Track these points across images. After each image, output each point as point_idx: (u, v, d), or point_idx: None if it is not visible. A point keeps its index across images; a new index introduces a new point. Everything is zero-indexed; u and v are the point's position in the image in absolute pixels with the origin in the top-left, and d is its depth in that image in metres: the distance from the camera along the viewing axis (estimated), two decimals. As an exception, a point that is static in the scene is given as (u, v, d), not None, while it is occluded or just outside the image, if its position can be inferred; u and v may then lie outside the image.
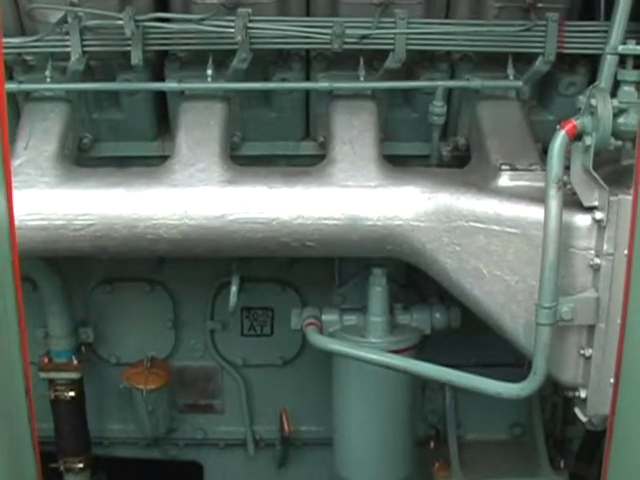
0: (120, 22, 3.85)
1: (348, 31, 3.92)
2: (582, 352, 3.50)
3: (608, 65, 3.59)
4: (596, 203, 3.38)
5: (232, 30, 3.84)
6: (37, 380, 4.87)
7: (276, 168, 4.16)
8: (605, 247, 3.38)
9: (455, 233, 3.68)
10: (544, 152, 3.90)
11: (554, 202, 3.28)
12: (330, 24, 3.93)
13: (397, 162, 4.15)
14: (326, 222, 3.77)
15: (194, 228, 3.78)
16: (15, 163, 3.88)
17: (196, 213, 3.78)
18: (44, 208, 3.82)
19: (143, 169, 4.08)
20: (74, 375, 5.04)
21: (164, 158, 4.13)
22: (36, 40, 4.01)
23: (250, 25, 3.86)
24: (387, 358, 3.98)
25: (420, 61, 4.22)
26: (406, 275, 4.68)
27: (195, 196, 3.80)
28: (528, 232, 3.53)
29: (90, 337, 5.16)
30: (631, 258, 3.22)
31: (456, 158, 4.35)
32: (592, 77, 4.09)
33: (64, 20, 3.92)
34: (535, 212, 3.50)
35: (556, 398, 5.19)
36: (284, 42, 3.98)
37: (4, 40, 3.89)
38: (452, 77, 4.28)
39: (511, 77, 4.13)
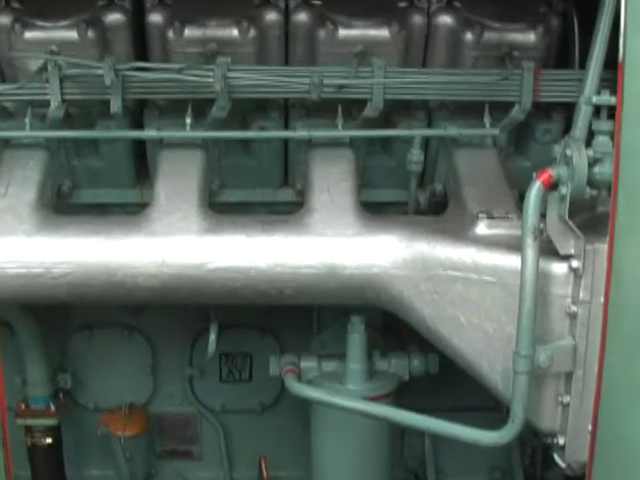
0: (100, 71, 3.86)
1: (326, 80, 3.94)
2: (560, 399, 3.50)
3: (583, 115, 3.62)
4: (572, 251, 3.40)
5: (211, 80, 3.85)
6: (14, 426, 4.83)
7: (254, 217, 4.16)
8: (582, 295, 3.40)
9: (433, 281, 3.69)
10: (520, 199, 3.93)
11: (531, 251, 3.29)
12: (308, 74, 3.95)
13: (375, 209, 4.17)
14: (304, 270, 3.78)
15: (172, 277, 3.77)
16: (-7, 210, 3.90)
17: (174, 261, 3.78)
18: (22, 256, 3.81)
19: (122, 217, 4.09)
20: (51, 422, 5.02)
21: (143, 205, 4.12)
22: (16, 87, 4.02)
23: (229, 75, 3.87)
24: (365, 406, 3.98)
25: (397, 109, 4.25)
26: (384, 321, 4.68)
27: (173, 245, 3.80)
28: (505, 280, 3.54)
29: (68, 383, 5.14)
30: (607, 306, 3.27)
31: (433, 205, 4.38)
32: (568, 124, 4.12)
33: (44, 68, 3.93)
34: (512, 261, 3.51)
35: (536, 442, 5.19)
36: (263, 91, 4.00)
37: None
38: (429, 125, 4.31)
39: (488, 125, 4.16)
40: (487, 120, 4.16)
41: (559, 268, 3.44)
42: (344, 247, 3.81)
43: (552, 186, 3.34)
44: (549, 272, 3.43)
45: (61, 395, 5.12)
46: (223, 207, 4.27)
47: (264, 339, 5.14)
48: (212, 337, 4.56)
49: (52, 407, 5.02)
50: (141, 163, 4.44)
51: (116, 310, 4.96)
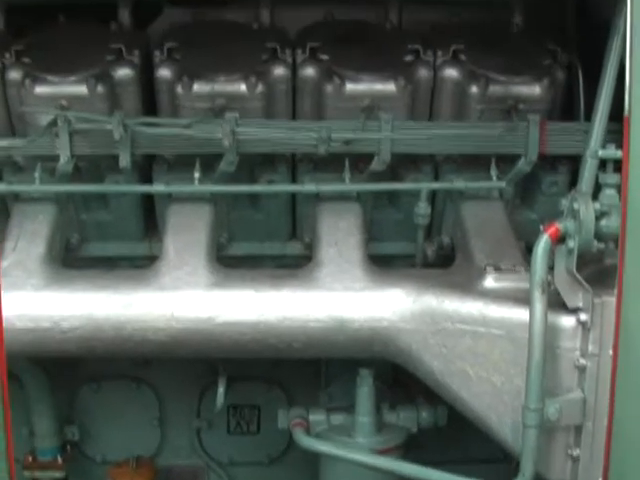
0: (109, 126, 3.89)
1: (334, 135, 3.96)
2: (570, 452, 3.50)
3: (589, 168, 3.62)
4: (580, 305, 3.41)
5: (219, 135, 3.88)
6: (21, 478, 4.82)
7: (263, 270, 4.18)
8: (590, 348, 3.41)
9: (441, 335, 3.69)
10: (527, 250, 3.95)
11: (539, 305, 3.31)
12: (316, 128, 3.98)
13: (382, 261, 4.17)
14: (313, 324, 3.78)
15: (181, 331, 3.78)
16: (3, 265, 3.91)
17: (183, 316, 3.78)
18: (31, 310, 3.82)
19: (130, 271, 4.11)
20: (58, 474, 5.00)
21: (152, 258, 4.15)
22: (26, 142, 4.04)
23: (237, 130, 3.90)
24: (374, 459, 3.99)
25: (404, 162, 4.26)
26: (393, 374, 4.66)
27: (182, 299, 3.81)
28: (514, 334, 3.55)
29: (75, 435, 5.12)
30: (616, 358, 3.27)
31: (441, 257, 4.39)
32: (574, 175, 4.13)
33: (54, 123, 3.96)
34: (520, 314, 3.52)
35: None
36: (271, 146, 4.03)
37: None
38: (436, 177, 4.33)
39: (494, 178, 4.17)
40: (494, 173, 4.18)
41: (567, 321, 3.45)
42: (352, 301, 3.82)
43: (559, 239, 3.36)
44: (557, 325, 3.44)
45: (68, 447, 5.10)
46: (231, 260, 4.29)
47: (272, 391, 5.12)
48: (220, 390, 4.55)
49: (59, 459, 5.00)
50: (149, 216, 4.46)
51: (124, 362, 4.95)
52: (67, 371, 5.02)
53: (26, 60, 4.06)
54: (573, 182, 4.07)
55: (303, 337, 3.80)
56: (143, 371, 5.07)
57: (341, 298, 3.83)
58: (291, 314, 3.79)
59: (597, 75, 3.70)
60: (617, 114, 3.44)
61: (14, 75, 4.05)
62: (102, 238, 4.47)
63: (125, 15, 4.52)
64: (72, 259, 4.36)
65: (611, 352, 3.32)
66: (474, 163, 4.26)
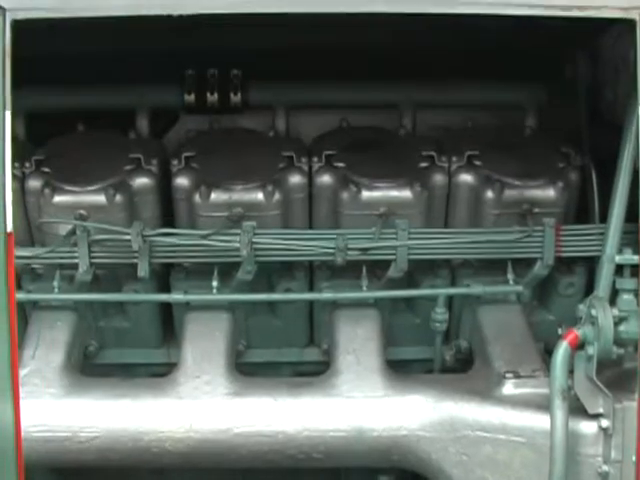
0: (128, 236, 3.93)
1: (351, 244, 3.98)
2: None
3: (605, 273, 3.59)
4: (601, 410, 3.38)
5: (237, 244, 3.91)
6: None
7: (281, 379, 4.16)
8: (613, 454, 3.38)
9: (461, 443, 3.66)
10: (546, 352, 3.95)
11: (559, 412, 3.29)
12: (333, 236, 4.01)
13: (400, 366, 4.16)
14: (332, 434, 3.75)
15: (200, 442, 3.75)
16: (22, 373, 3.88)
17: (202, 426, 3.76)
18: (49, 420, 3.81)
19: (148, 380, 4.10)
20: None
21: (170, 365, 4.16)
22: (46, 251, 4.07)
23: (255, 239, 3.93)
24: None
25: (421, 267, 4.27)
26: (413, 480, 4.62)
27: (200, 409, 3.79)
28: (535, 441, 3.51)
29: None
30: (639, 464, 3.23)
31: (459, 361, 4.37)
32: (590, 276, 4.16)
33: (72, 232, 4.00)
34: (541, 420, 3.49)
35: None
36: (288, 255, 4.05)
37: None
38: (453, 282, 4.33)
39: (511, 282, 4.17)
40: (510, 277, 4.18)
41: (589, 427, 3.42)
42: (372, 409, 3.79)
43: (579, 346, 3.35)
44: (579, 432, 3.41)
45: None
46: (249, 367, 4.29)
47: (292, 499, 5.06)
48: (239, 498, 4.52)
49: None
50: (167, 322, 4.46)
51: (140, 471, 4.90)
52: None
53: (45, 169, 4.11)
54: (590, 282, 4.09)
55: (322, 447, 3.77)
56: (159, 479, 5.02)
57: (360, 406, 3.80)
58: (310, 424, 3.77)
59: (610, 174, 3.71)
60: (632, 215, 3.46)
61: (34, 184, 4.10)
62: (120, 345, 4.46)
63: (143, 123, 4.62)
64: (89, 366, 4.35)
65: (634, 458, 3.28)
66: (490, 267, 4.26)
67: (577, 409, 3.43)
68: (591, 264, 4.14)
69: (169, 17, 2.97)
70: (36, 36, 3.02)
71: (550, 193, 4.15)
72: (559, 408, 3.30)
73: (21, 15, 2.92)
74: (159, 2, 2.98)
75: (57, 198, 4.06)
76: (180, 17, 2.97)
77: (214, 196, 4.06)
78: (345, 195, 4.08)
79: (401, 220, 4.02)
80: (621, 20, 3.05)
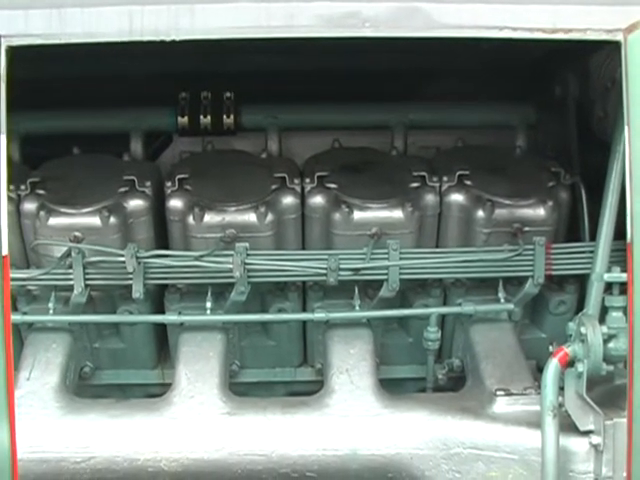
0: (122, 258, 3.96)
1: (343, 264, 4.01)
2: None
3: (595, 292, 3.63)
4: (592, 427, 3.42)
5: (230, 266, 3.94)
6: None
7: (275, 399, 4.18)
8: (604, 471, 3.41)
9: (454, 460, 3.68)
10: (538, 369, 3.98)
11: (550, 429, 3.33)
12: (325, 257, 4.04)
13: (393, 385, 4.21)
14: (326, 453, 3.77)
15: (194, 461, 3.77)
16: (17, 394, 3.88)
17: (196, 446, 3.78)
18: (45, 440, 3.82)
19: (143, 401, 4.11)
20: None
21: (164, 385, 4.18)
22: (41, 273, 4.10)
23: (248, 260, 3.96)
24: None
25: (413, 287, 4.32)
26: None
27: (195, 429, 3.82)
28: (526, 458, 3.55)
29: None
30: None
31: (452, 379, 4.40)
32: (581, 294, 4.19)
33: (67, 254, 4.02)
34: (532, 438, 3.52)
35: None
36: (281, 275, 4.09)
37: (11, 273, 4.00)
38: (444, 301, 4.37)
39: (502, 300, 4.21)
40: (501, 295, 4.22)
41: (580, 444, 3.46)
42: (365, 428, 3.82)
43: (569, 363, 3.38)
44: (570, 449, 3.45)
45: None
46: (243, 387, 4.32)
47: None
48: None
49: None
50: (162, 343, 4.50)
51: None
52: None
53: (41, 192, 4.14)
54: (581, 300, 4.11)
55: (316, 466, 3.79)
56: None
57: (353, 425, 3.83)
58: (304, 443, 3.79)
59: (600, 192, 3.74)
60: (621, 234, 3.49)
61: (29, 206, 4.13)
62: (114, 366, 4.49)
63: (137, 146, 4.65)
64: (84, 387, 4.37)
65: (624, 474, 3.30)
66: (482, 286, 4.31)
67: (568, 426, 3.47)
68: (582, 282, 4.17)
69: (162, 42, 3.01)
70: (31, 60, 3.05)
71: (540, 212, 4.19)
72: (550, 425, 3.33)
73: (16, 41, 2.96)
74: (153, 28, 3.01)
75: (52, 220, 4.08)
76: (173, 42, 3.01)
77: (207, 218, 4.09)
78: (337, 216, 4.12)
79: (393, 240, 4.05)
80: (606, 42, 3.08)
